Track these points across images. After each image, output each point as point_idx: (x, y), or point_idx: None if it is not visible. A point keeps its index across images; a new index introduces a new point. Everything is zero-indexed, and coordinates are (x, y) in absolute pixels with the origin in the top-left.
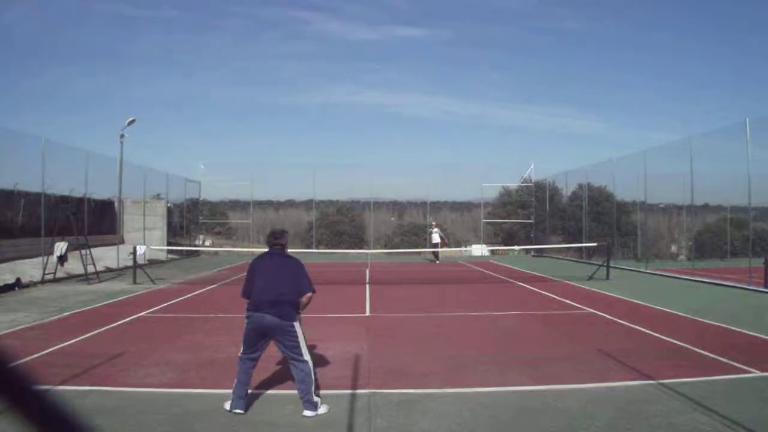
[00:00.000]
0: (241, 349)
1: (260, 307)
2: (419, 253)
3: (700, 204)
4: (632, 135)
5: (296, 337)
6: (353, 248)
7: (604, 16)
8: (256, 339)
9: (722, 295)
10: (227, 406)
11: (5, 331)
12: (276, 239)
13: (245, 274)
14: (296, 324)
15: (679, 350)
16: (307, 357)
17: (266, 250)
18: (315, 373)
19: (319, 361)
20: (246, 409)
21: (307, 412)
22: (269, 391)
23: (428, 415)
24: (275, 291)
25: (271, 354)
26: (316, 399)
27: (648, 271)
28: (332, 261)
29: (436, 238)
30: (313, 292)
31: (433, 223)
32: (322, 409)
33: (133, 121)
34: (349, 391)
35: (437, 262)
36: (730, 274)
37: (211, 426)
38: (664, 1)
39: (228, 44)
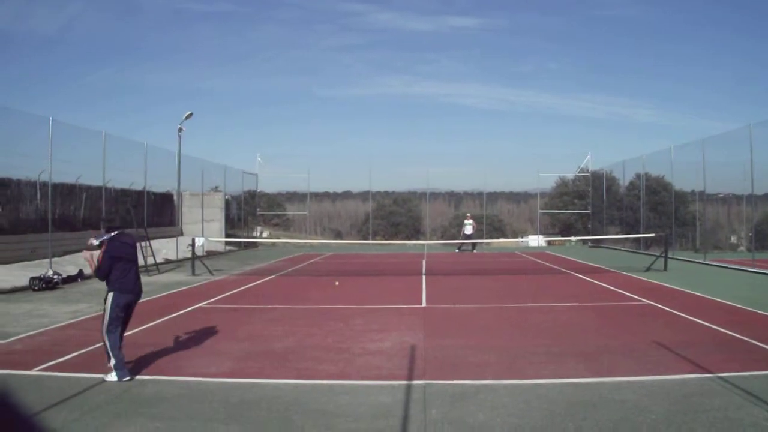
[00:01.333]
0: (112, 324)
1: (134, 290)
2: (473, 245)
3: (760, 193)
4: (690, 124)
5: None
6: (409, 239)
7: (662, 4)
8: (123, 313)
9: None
10: (113, 377)
11: (68, 322)
12: (116, 222)
13: (108, 256)
14: None
15: (739, 343)
16: None
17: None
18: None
19: (375, 351)
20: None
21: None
22: (324, 381)
23: (483, 406)
24: (136, 273)
25: (326, 345)
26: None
27: (707, 263)
28: (388, 252)
29: (469, 229)
30: None
31: (468, 214)
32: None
33: (190, 114)
34: (404, 382)
35: (474, 251)
36: None
37: (268, 415)
38: None
39: (282, 37)
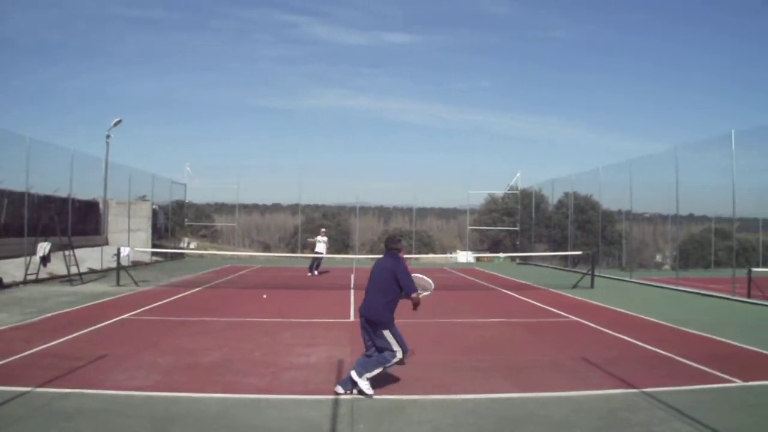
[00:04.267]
0: None
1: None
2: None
3: (685, 214)
4: (619, 145)
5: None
6: (338, 253)
7: (594, 26)
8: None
9: (706, 304)
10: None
11: None
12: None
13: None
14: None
15: (663, 359)
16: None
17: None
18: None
19: (303, 365)
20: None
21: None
22: (251, 395)
23: (411, 421)
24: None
25: (253, 358)
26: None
27: (632, 280)
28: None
29: (321, 247)
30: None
31: (323, 230)
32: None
33: (119, 121)
34: (332, 397)
35: (315, 274)
36: (714, 284)
37: (192, 430)
38: (654, 13)
39: (216, 46)
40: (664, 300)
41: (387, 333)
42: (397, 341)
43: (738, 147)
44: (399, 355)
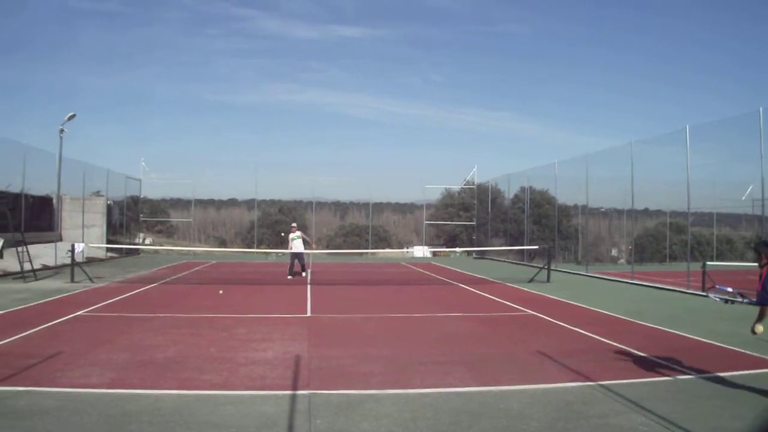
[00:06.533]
0: None
1: None
2: (360, 254)
3: (640, 208)
4: (575, 140)
5: None
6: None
7: (545, 20)
8: None
9: (661, 298)
10: None
11: None
12: None
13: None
14: None
15: (619, 352)
16: None
17: None
18: None
19: (260, 361)
20: None
21: None
22: (207, 392)
23: (369, 416)
24: None
25: (209, 354)
26: None
27: (588, 274)
28: (273, 261)
29: (299, 245)
30: None
31: (294, 225)
32: None
33: (73, 116)
34: (289, 392)
35: (303, 274)
36: (669, 277)
37: (149, 427)
38: (605, 10)
39: (168, 40)
40: (620, 294)
41: None
42: None
43: (692, 142)
44: None
